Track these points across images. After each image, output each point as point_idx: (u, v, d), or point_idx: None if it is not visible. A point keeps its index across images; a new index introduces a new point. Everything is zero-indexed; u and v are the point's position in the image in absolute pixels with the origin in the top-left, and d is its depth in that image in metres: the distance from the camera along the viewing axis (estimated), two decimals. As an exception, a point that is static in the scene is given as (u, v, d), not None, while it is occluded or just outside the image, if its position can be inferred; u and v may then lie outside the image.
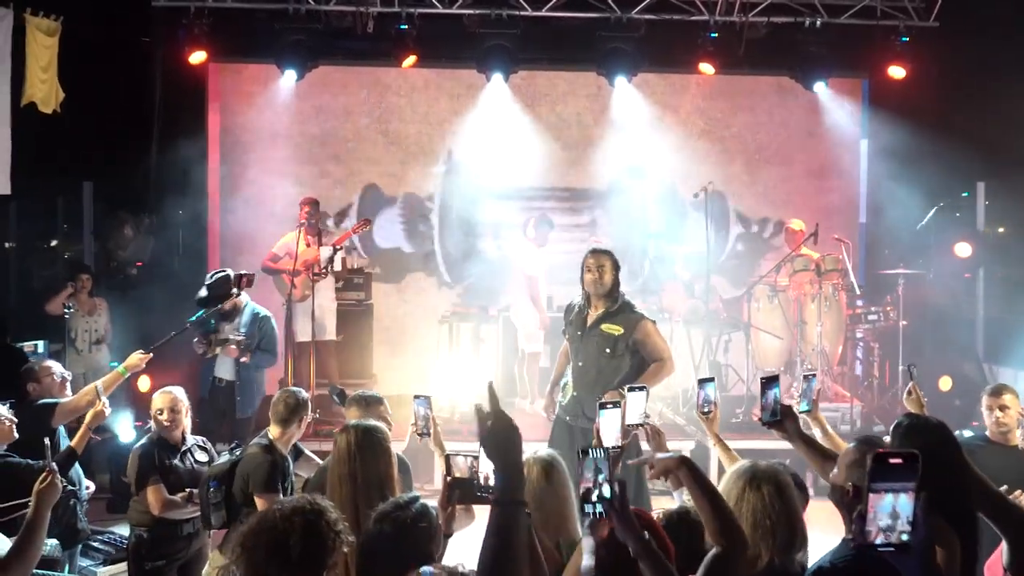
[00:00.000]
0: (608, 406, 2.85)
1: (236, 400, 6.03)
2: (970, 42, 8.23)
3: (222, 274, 6.04)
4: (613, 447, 2.84)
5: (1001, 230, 9.66)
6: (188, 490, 4.50)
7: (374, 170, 9.26)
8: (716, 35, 8.45)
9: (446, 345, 8.09)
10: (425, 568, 2.21)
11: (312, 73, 8.54)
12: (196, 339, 5.96)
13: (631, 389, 3.32)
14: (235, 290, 5.92)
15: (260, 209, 8.75)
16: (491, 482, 2.46)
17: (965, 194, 8.97)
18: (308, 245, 7.56)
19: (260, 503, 3.88)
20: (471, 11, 8.35)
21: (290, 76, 8.39)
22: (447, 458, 2.68)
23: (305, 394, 4.35)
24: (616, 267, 4.95)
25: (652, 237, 8.71)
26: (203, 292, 5.98)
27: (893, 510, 1.57)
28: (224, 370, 6.12)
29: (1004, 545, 2.96)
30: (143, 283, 8.69)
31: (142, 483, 4.47)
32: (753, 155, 9.31)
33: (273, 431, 4.19)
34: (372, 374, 8.45)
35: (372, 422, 3.22)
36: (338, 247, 7.54)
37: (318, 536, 2.08)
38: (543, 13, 8.39)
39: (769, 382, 3.32)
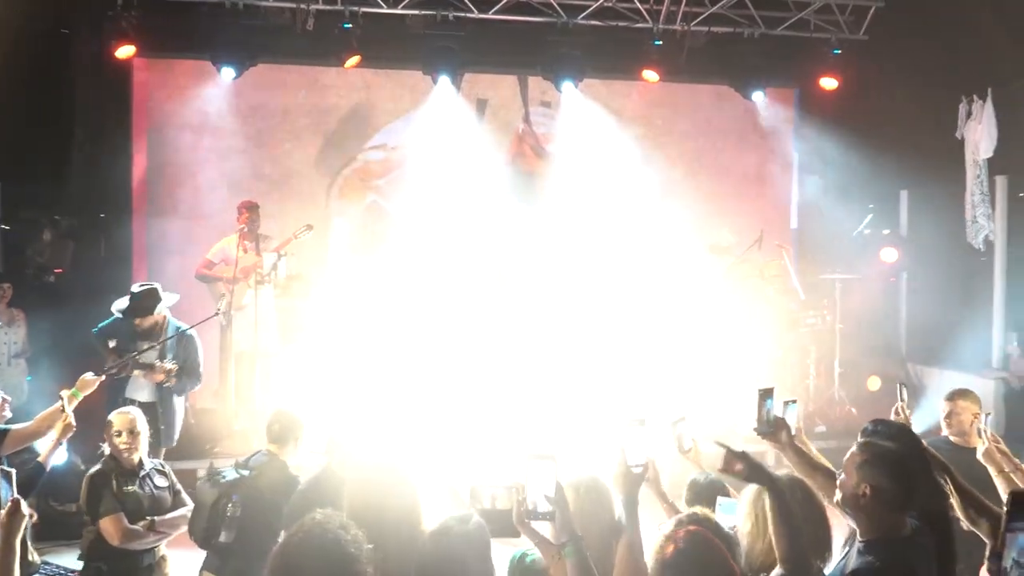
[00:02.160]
0: (635, 423, 2.75)
1: (160, 428, 5.47)
2: (896, 56, 8.60)
3: (149, 287, 5.70)
4: (638, 466, 2.76)
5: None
6: (149, 518, 4.23)
7: (312, 174, 8.96)
8: (660, 43, 8.56)
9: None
10: None
11: (249, 71, 8.19)
12: (110, 358, 5.45)
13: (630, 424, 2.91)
14: (160, 306, 5.58)
15: (192, 213, 8.33)
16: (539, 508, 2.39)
17: (865, 223, 9.34)
18: (245, 251, 7.27)
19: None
20: (416, 11, 8.19)
21: (227, 74, 8.01)
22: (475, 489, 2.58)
23: (300, 415, 4.28)
24: None
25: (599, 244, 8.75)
26: (123, 302, 5.64)
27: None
28: (140, 392, 5.63)
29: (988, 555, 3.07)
30: (63, 291, 8.18)
31: (98, 512, 4.17)
32: (692, 161, 9.47)
33: (272, 448, 4.18)
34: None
35: None
36: (282, 253, 7.27)
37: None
38: (489, 16, 8.31)
39: (765, 394, 3.34)
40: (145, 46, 7.95)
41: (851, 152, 8.65)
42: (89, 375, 4.72)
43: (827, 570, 2.86)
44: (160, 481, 4.42)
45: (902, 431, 3.34)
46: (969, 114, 8.04)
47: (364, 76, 8.89)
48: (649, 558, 2.57)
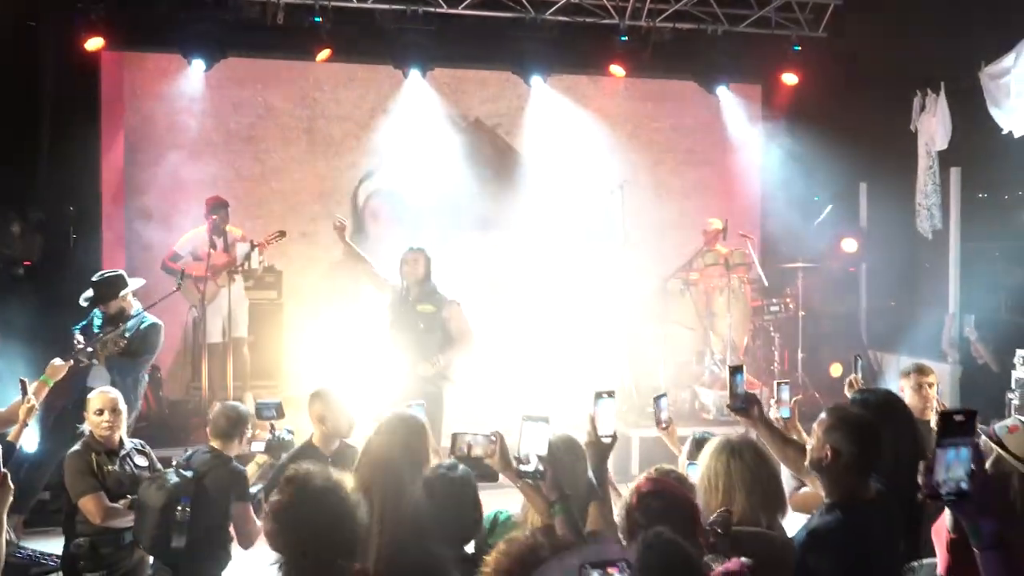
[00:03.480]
0: (604, 396, 2.87)
1: None
2: (854, 52, 8.87)
3: (113, 273, 5.72)
4: (607, 436, 2.88)
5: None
6: (129, 496, 4.28)
7: (296, 170, 8.98)
8: (626, 39, 8.75)
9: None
10: None
11: (227, 66, 8.23)
12: (78, 346, 5.37)
13: (601, 395, 2.94)
14: (124, 291, 5.59)
15: (169, 208, 8.33)
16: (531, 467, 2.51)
17: (816, 198, 9.58)
18: (215, 247, 7.32)
19: (241, 512, 3.99)
20: (386, 6, 8.28)
21: (198, 67, 8.05)
22: (455, 436, 2.72)
23: (245, 408, 4.30)
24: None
25: (567, 238, 8.90)
26: (89, 292, 5.64)
27: (955, 463, 1.73)
28: (99, 381, 5.53)
29: (947, 512, 3.25)
30: (31, 284, 8.12)
31: (79, 491, 4.22)
32: (663, 154, 9.67)
33: (216, 444, 4.12)
34: (283, 375, 8.24)
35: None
36: (256, 244, 7.32)
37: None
38: (459, 11, 8.43)
39: (735, 370, 3.48)
40: (114, 39, 7.94)
41: (813, 146, 8.90)
42: (57, 360, 4.82)
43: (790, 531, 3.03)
44: (140, 461, 4.46)
45: (885, 397, 3.51)
46: (923, 107, 8.32)
47: (347, 71, 8.95)
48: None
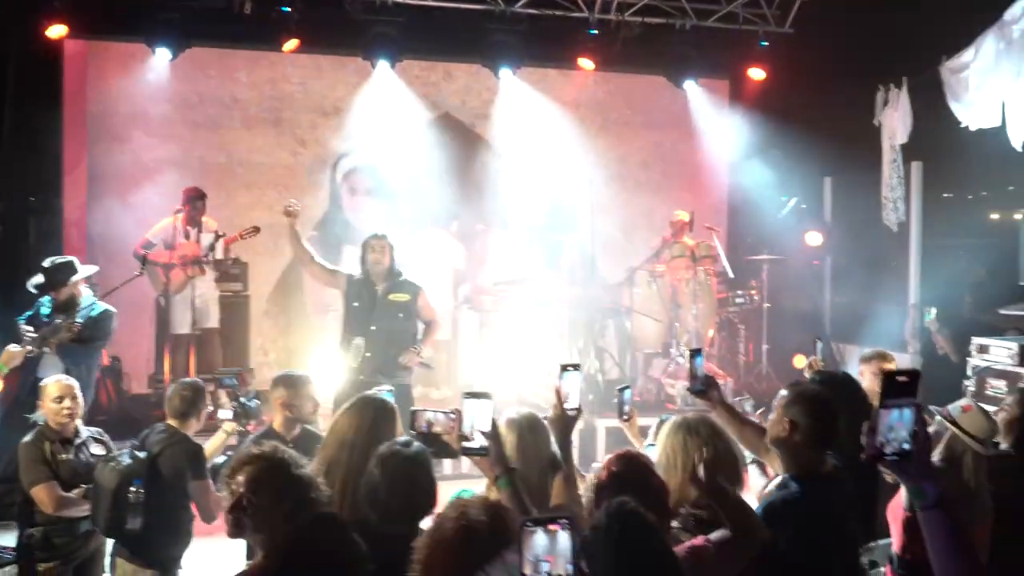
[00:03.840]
0: (569, 369, 2.93)
1: None
2: (820, 47, 8.96)
3: (63, 260, 5.63)
4: (572, 409, 2.94)
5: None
6: (84, 486, 4.22)
7: (263, 162, 8.90)
8: (595, 32, 8.78)
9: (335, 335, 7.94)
10: None
11: (192, 56, 8.15)
12: (27, 336, 5.22)
13: (567, 368, 3.04)
14: (74, 277, 5.52)
15: (135, 199, 8.23)
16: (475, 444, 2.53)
17: (784, 204, 9.68)
18: (187, 237, 7.26)
19: (199, 490, 3.95)
20: (355, -4, 8.24)
21: (163, 56, 7.96)
22: (415, 413, 2.74)
23: (202, 384, 4.24)
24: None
25: (536, 230, 8.91)
26: (38, 279, 5.55)
27: (897, 424, 1.74)
28: (51, 370, 5.40)
29: (903, 491, 3.31)
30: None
31: (31, 480, 4.16)
32: (632, 148, 9.72)
33: (173, 423, 4.08)
34: (249, 368, 8.17)
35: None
36: (220, 234, 7.26)
37: None
38: (428, 3, 8.41)
39: (695, 353, 3.52)
40: (78, 27, 7.84)
41: (779, 140, 9.00)
42: (13, 347, 4.75)
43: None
44: (97, 449, 4.39)
45: (843, 379, 3.57)
46: (886, 102, 8.43)
47: (316, 62, 8.89)
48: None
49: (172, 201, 7.59)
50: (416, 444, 2.66)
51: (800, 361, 8.82)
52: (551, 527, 1.67)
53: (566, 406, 2.92)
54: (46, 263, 5.59)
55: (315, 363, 7.60)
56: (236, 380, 4.51)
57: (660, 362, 8.40)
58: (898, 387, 1.74)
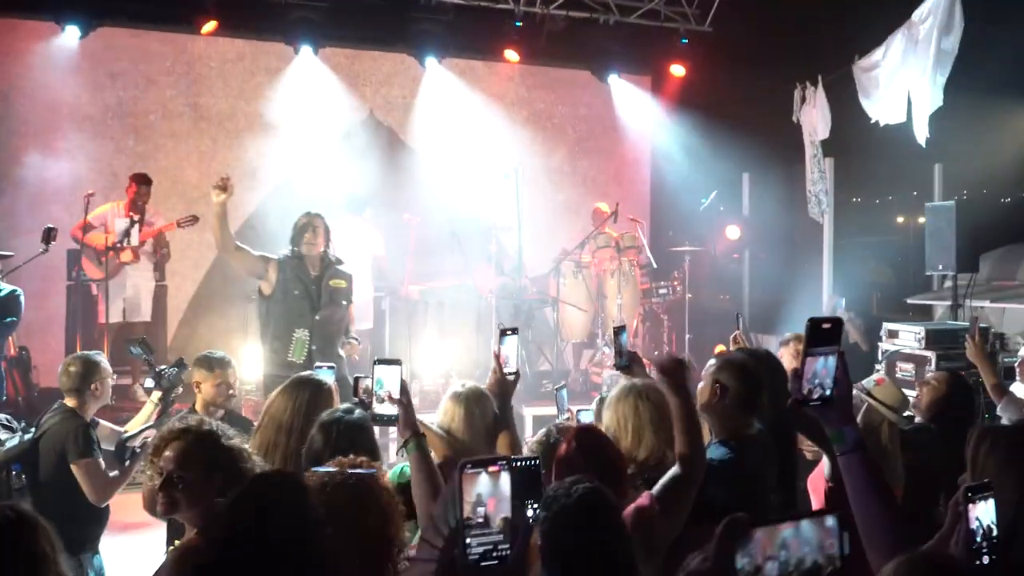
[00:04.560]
0: (508, 333, 2.96)
1: None
2: (738, 46, 9.23)
3: None
4: (511, 373, 2.97)
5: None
6: None
7: (180, 147, 8.61)
8: (520, 24, 8.82)
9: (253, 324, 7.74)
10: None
11: (104, 36, 7.82)
12: None
13: (505, 332, 3.14)
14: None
15: (42, 187, 7.85)
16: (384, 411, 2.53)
17: (704, 200, 9.91)
18: (131, 224, 7.01)
19: (80, 470, 3.67)
20: (276, -21, 8.09)
21: (72, 34, 7.63)
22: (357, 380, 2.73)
23: (96, 357, 3.97)
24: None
25: (462, 220, 8.87)
26: None
27: (822, 371, 1.81)
28: None
29: (825, 460, 3.43)
30: None
31: None
32: (557, 141, 9.80)
33: (69, 402, 3.86)
34: (167, 360, 7.89)
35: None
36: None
37: None
38: (352, -11, 8.32)
39: (619, 331, 3.59)
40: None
41: (699, 136, 9.22)
42: None
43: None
44: (3, 436, 4.18)
45: (765, 354, 3.68)
46: (803, 99, 8.73)
47: (235, 46, 8.65)
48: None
49: (81, 185, 7.27)
50: (358, 411, 2.64)
51: (721, 350, 9.10)
52: (492, 469, 1.66)
53: (505, 370, 2.95)
54: None
55: (243, 354, 7.46)
56: (141, 348, 4.23)
57: (587, 352, 8.48)
58: (822, 335, 1.79)
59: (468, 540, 1.62)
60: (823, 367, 1.81)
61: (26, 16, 7.99)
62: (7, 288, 5.40)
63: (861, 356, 7.73)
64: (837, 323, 1.82)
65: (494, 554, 1.64)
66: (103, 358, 3.99)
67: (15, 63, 8.03)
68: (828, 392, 1.80)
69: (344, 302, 5.30)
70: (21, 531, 1.96)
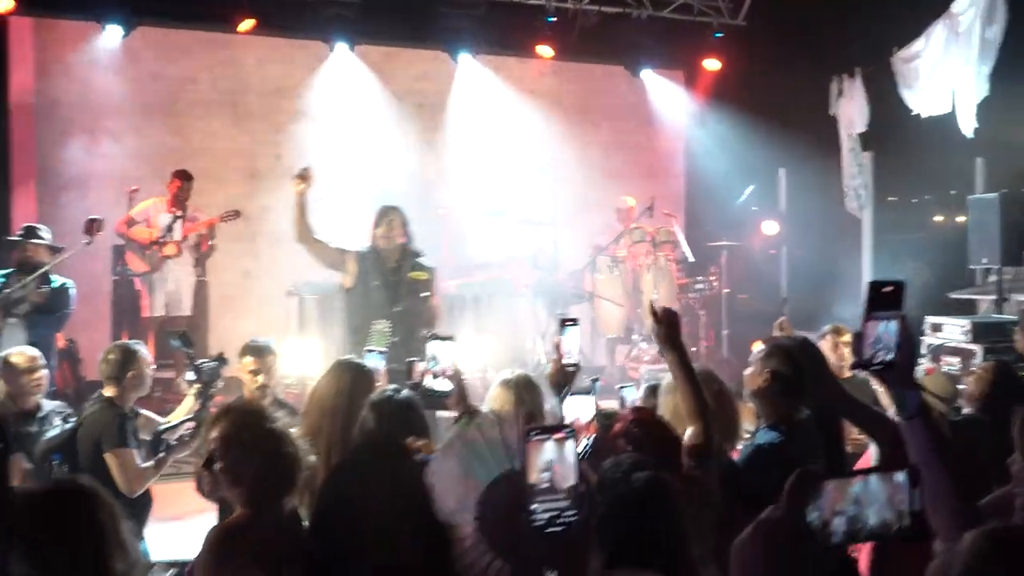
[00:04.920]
0: (569, 324, 2.95)
1: None
2: (773, 39, 9.16)
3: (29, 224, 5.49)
4: (571, 364, 2.96)
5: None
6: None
7: (219, 144, 8.72)
8: (552, 20, 8.82)
9: (295, 320, 7.83)
10: None
11: (144, 35, 7.95)
12: None
13: (566, 322, 3.10)
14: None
15: (86, 183, 7.98)
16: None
17: (740, 196, 9.82)
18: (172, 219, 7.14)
19: (112, 460, 3.70)
20: (311, -24, 8.15)
21: (113, 35, 7.76)
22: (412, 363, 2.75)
23: (134, 346, 4.02)
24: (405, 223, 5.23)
25: (496, 214, 8.89)
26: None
27: (883, 335, 1.78)
28: (12, 342, 5.35)
29: (872, 448, 3.40)
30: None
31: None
32: (590, 136, 9.78)
33: (108, 391, 3.91)
34: (208, 354, 7.99)
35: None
36: (178, 214, 7.12)
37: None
38: (386, -14, 8.36)
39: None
40: (26, 2, 7.58)
41: (734, 131, 9.15)
42: None
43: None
44: (57, 421, 4.27)
45: (801, 340, 3.68)
46: (840, 92, 8.64)
47: (272, 43, 8.74)
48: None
49: (123, 182, 7.39)
50: (405, 391, 2.67)
51: (759, 347, 9.01)
52: (558, 436, 1.67)
53: (565, 361, 2.95)
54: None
55: (283, 349, 7.52)
56: (181, 341, 4.25)
57: (623, 347, 8.47)
58: (883, 299, 1.75)
59: (534, 507, 1.62)
60: (885, 331, 1.77)
61: (69, 16, 8.13)
62: (59, 280, 5.52)
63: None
64: (899, 286, 1.79)
65: (559, 521, 1.64)
66: (142, 347, 4.05)
67: (56, 63, 8.18)
68: (890, 356, 1.78)
69: (425, 294, 5.16)
70: (80, 501, 2.00)
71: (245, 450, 2.38)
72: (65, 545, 1.87)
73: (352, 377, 3.11)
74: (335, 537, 2.22)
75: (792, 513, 1.43)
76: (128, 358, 3.90)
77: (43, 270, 5.44)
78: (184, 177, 7.24)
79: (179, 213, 7.08)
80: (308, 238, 5.01)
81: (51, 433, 3.86)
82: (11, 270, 5.43)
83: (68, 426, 3.86)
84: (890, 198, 9.74)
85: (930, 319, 6.39)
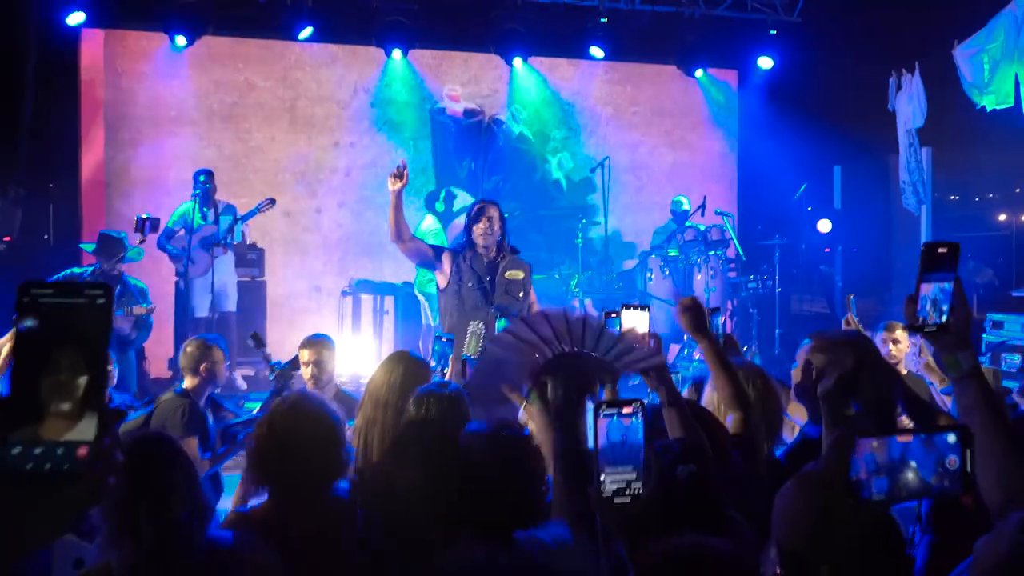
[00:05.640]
0: (635, 308, 2.89)
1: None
2: (828, 36, 9.05)
3: (117, 234, 5.73)
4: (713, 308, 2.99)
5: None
6: None
7: (277, 148, 8.99)
8: (605, 20, 8.86)
9: (348, 319, 8.02)
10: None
11: (208, 44, 8.24)
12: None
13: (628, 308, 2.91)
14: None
15: (151, 186, 8.30)
16: None
17: (796, 193, 9.69)
18: (206, 219, 7.33)
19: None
20: (367, -17, 8.34)
21: (180, 42, 8.05)
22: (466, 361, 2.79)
23: (211, 341, 4.16)
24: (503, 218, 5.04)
25: (550, 217, 8.98)
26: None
27: (938, 296, 1.76)
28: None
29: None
30: (10, 259, 8.06)
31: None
32: (642, 136, 9.80)
33: (185, 382, 4.07)
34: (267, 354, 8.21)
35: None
36: (240, 217, 7.34)
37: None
38: (439, -10, 8.50)
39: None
40: (96, 14, 7.93)
41: (788, 128, 9.05)
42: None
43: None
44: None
45: (850, 331, 3.66)
46: (899, 87, 8.49)
47: (328, 50, 8.96)
48: None
49: (188, 187, 7.65)
50: (452, 385, 2.69)
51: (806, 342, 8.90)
52: (625, 410, 1.72)
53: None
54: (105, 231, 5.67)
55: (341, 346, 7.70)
56: (254, 341, 4.45)
57: (674, 346, 8.43)
58: (938, 259, 1.70)
59: (603, 477, 1.68)
60: (938, 292, 1.70)
61: (138, 27, 8.47)
62: (140, 283, 5.78)
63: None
64: (953, 247, 1.77)
65: (627, 492, 1.70)
66: (219, 342, 4.17)
67: (125, 72, 8.53)
68: (944, 319, 1.73)
69: (521, 294, 4.95)
70: (162, 446, 2.17)
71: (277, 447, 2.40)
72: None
73: (404, 368, 3.16)
74: (372, 524, 2.27)
75: (834, 468, 1.45)
76: (203, 352, 4.04)
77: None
78: (207, 173, 7.41)
79: (240, 217, 7.29)
80: (404, 236, 4.84)
81: (131, 416, 3.99)
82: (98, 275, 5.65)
83: (145, 411, 4.01)
84: (952, 196, 9.53)
85: (991, 316, 6.26)
